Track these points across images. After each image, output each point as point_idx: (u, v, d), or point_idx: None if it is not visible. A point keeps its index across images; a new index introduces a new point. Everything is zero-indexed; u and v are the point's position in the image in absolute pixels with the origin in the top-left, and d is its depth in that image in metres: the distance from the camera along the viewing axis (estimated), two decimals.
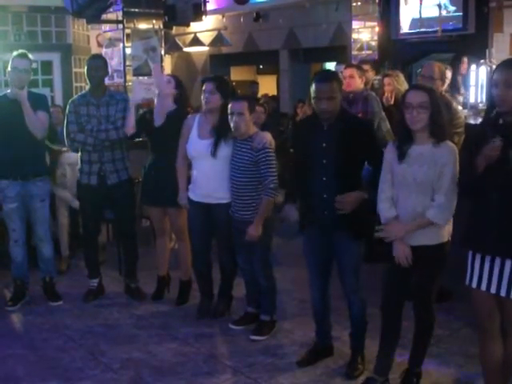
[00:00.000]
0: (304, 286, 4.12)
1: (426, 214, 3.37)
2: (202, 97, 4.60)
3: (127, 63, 7.28)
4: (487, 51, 8.65)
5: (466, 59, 8.31)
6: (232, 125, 4.33)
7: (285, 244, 6.36)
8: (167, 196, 4.93)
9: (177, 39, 12.57)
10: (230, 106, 4.35)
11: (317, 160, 3.79)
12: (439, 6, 9.11)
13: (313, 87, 3.74)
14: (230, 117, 4.33)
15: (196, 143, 4.65)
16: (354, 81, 6.01)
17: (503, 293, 3.11)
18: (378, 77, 7.17)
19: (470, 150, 3.19)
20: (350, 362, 4.01)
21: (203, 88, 4.59)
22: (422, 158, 3.37)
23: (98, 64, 5.15)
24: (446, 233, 3.47)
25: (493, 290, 3.14)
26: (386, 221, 3.53)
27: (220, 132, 4.52)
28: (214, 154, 4.50)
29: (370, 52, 10.04)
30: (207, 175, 4.59)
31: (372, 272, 4.39)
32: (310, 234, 3.95)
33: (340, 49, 10.96)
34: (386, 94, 6.32)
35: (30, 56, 4.94)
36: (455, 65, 7.80)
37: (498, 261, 3.10)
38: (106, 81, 6.64)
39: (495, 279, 3.12)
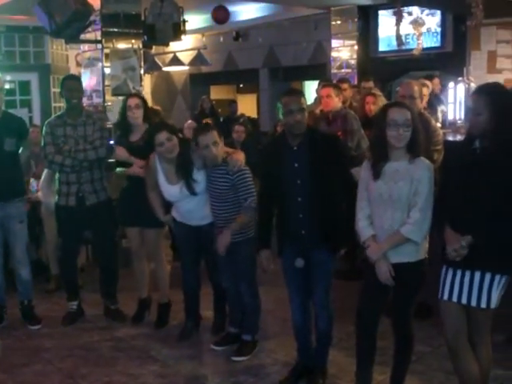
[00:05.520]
0: (287, 304, 4.12)
1: (400, 230, 3.38)
2: (160, 149, 4.52)
3: (106, 83, 7.29)
4: (465, 69, 8.82)
5: (437, 79, 8.41)
6: (208, 156, 4.32)
7: (271, 264, 6.31)
8: (144, 217, 4.93)
9: (156, 58, 12.60)
10: (200, 138, 4.31)
11: (291, 181, 3.82)
12: (416, 21, 9.27)
13: (283, 103, 3.79)
14: (204, 150, 4.31)
15: (168, 189, 4.64)
16: (332, 100, 6.06)
17: (473, 303, 3.23)
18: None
19: (447, 172, 3.38)
20: (311, 377, 4.06)
21: (159, 140, 4.49)
22: (397, 175, 3.40)
23: (72, 85, 5.16)
24: (423, 250, 3.51)
25: (463, 300, 3.25)
26: (364, 239, 3.53)
27: (187, 170, 4.51)
28: (192, 193, 4.51)
29: (349, 70, 10.14)
30: (189, 211, 4.65)
31: (354, 290, 4.41)
32: (288, 254, 3.97)
33: (319, 67, 11.08)
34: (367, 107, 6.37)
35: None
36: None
37: (467, 273, 3.23)
38: (85, 101, 6.68)
39: (465, 290, 3.24)
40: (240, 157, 4.41)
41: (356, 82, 9.33)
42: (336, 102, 6.07)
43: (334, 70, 10.36)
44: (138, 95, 5.35)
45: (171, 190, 4.61)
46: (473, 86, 7.49)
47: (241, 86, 15.72)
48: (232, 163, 4.34)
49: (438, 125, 6.32)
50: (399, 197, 3.38)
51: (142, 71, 7.54)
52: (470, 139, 3.30)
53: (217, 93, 14.97)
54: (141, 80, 7.45)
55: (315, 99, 7.50)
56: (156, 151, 4.58)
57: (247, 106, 14.06)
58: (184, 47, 12.25)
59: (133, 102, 5.04)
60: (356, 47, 10.20)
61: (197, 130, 4.51)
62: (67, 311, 5.35)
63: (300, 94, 3.91)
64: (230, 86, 15.80)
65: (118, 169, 5.20)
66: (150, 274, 5.38)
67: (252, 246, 4.42)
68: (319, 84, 7.42)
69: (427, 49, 9.42)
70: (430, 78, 7.97)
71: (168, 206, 4.82)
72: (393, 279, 3.44)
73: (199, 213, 4.61)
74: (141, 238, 5.18)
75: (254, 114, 13.54)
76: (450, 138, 6.14)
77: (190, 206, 4.61)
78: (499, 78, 8.02)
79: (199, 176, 4.51)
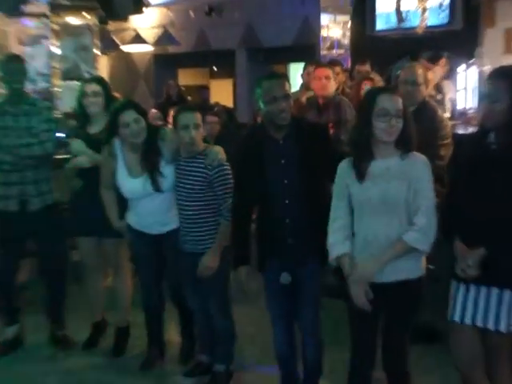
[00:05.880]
0: (269, 328, 4.08)
1: (402, 238, 3.27)
2: (125, 131, 4.45)
3: (54, 65, 7.20)
4: (477, 49, 8.83)
5: (444, 59, 8.36)
6: (185, 139, 4.27)
7: (251, 282, 6.28)
8: (101, 224, 4.85)
9: (114, 37, 12.54)
10: (181, 117, 4.28)
11: (276, 180, 3.79)
12: None
13: (263, 88, 3.74)
14: (180, 130, 4.27)
15: (128, 183, 4.57)
16: (330, 83, 6.02)
17: (491, 325, 3.18)
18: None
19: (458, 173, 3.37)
20: None
21: (124, 121, 4.43)
22: (388, 173, 3.32)
23: (14, 67, 5.08)
24: (423, 264, 3.44)
25: (479, 322, 3.21)
26: (337, 256, 3.40)
27: (153, 162, 4.48)
28: (156, 189, 4.47)
29: (341, 51, 10.18)
30: (151, 212, 4.59)
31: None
32: (271, 268, 3.93)
33: (307, 48, 11.12)
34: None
35: None
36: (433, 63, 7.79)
37: (483, 289, 3.20)
38: (28, 86, 6.54)
39: (481, 310, 3.21)
40: (221, 150, 4.39)
41: (349, 66, 9.32)
42: (333, 87, 6.05)
43: (323, 51, 10.44)
44: (98, 80, 5.26)
45: (132, 184, 4.55)
46: (487, 69, 7.48)
47: (214, 69, 15.72)
48: (212, 156, 4.29)
49: (446, 115, 6.31)
50: (396, 200, 3.29)
51: (97, 51, 7.46)
52: (484, 132, 3.27)
53: (186, 77, 14.97)
54: (95, 62, 7.38)
55: (301, 85, 7.46)
56: (119, 134, 4.51)
57: (222, 93, 14.07)
58: (147, 24, 12.23)
59: (91, 88, 4.99)
60: (349, 24, 10.25)
61: (178, 110, 4.45)
62: (4, 338, 5.27)
63: (284, 77, 3.88)
64: (202, 70, 15.81)
65: (67, 165, 5.11)
66: (106, 292, 5.34)
67: (223, 258, 4.35)
68: (305, 68, 7.39)
69: (433, 26, 9.45)
70: (435, 59, 7.93)
71: (124, 208, 4.75)
72: (379, 301, 3.32)
73: (161, 216, 4.55)
74: (97, 250, 5.14)
75: (229, 103, 13.50)
76: (460, 131, 6.16)
77: (151, 206, 4.55)
78: None
79: (167, 170, 4.46)
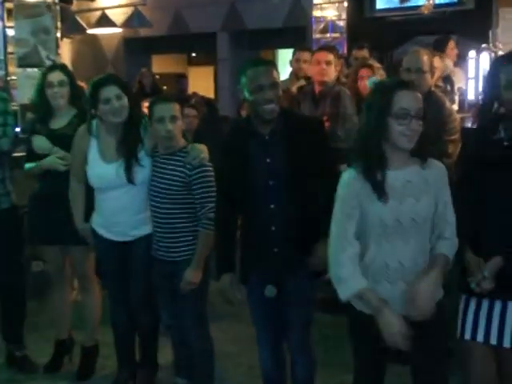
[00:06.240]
0: (254, 347, 4.13)
1: (442, 252, 3.16)
2: (104, 107, 4.48)
3: (9, 50, 7.22)
4: (490, 32, 8.84)
5: (453, 41, 8.40)
6: (161, 132, 4.31)
7: (236, 292, 6.29)
8: (67, 230, 4.86)
9: (78, 18, 12.52)
10: (156, 108, 4.33)
11: (260, 182, 3.81)
12: None
13: (249, 76, 3.74)
14: (156, 123, 4.32)
15: (99, 168, 4.57)
16: (331, 69, 6.04)
17: (507, 343, 3.20)
18: None
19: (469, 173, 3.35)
20: None
21: (105, 96, 4.46)
22: (412, 188, 3.13)
23: None
24: None
25: (492, 340, 3.23)
26: (354, 294, 3.15)
27: (131, 147, 4.51)
28: (129, 179, 4.48)
29: (336, 35, 10.21)
30: (120, 209, 4.58)
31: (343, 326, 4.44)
32: (256, 280, 3.97)
33: (297, 31, 11.13)
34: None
35: None
36: (441, 50, 7.77)
37: (497, 304, 3.23)
38: None
39: (495, 327, 3.21)
40: (205, 149, 4.41)
41: (345, 51, 9.37)
42: (333, 73, 6.08)
43: (316, 35, 10.44)
44: (63, 68, 5.28)
45: (103, 169, 4.55)
46: (501, 54, 7.49)
47: (193, 55, 15.73)
48: (194, 154, 4.33)
49: (455, 107, 6.35)
50: (425, 219, 3.15)
51: (58, 34, 7.48)
52: (491, 126, 3.30)
53: (161, 64, 14.96)
54: (57, 46, 7.39)
55: (290, 74, 7.51)
56: (98, 111, 4.53)
57: (201, 82, 14.08)
58: (116, 2, 12.21)
59: (55, 76, 4.98)
60: (346, 4, 10.27)
61: (153, 101, 4.49)
62: None
63: (271, 64, 3.90)
64: (179, 56, 15.80)
65: (27, 165, 5.13)
66: (71, 306, 5.33)
67: (202, 269, 4.40)
68: (294, 53, 7.42)
69: (440, 5, 9.50)
70: (442, 44, 7.97)
71: (90, 210, 4.77)
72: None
73: (131, 216, 4.56)
74: (62, 260, 5.14)
75: (210, 93, 13.55)
76: (470, 125, 6.16)
77: (120, 201, 4.55)
78: None
79: (145, 161, 4.50)
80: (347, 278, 3.13)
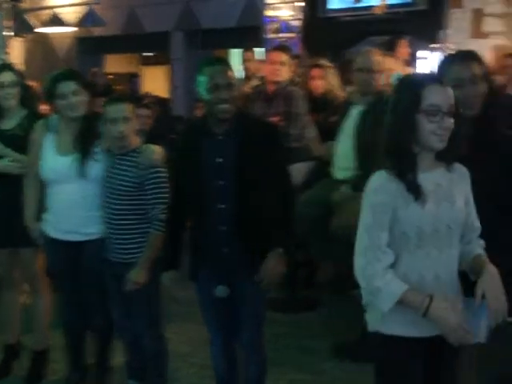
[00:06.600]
0: (206, 346, 4.14)
1: (476, 251, 3.04)
2: (61, 102, 4.48)
3: None
4: (442, 32, 8.94)
5: (405, 41, 8.46)
6: (114, 133, 4.30)
7: (180, 290, 6.25)
8: (16, 233, 4.84)
9: (29, 17, 12.41)
10: (108, 109, 4.32)
11: (211, 181, 3.82)
12: None
13: (205, 75, 3.76)
14: (108, 124, 4.31)
15: (53, 161, 4.55)
16: (284, 69, 6.10)
17: None
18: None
19: None
20: None
21: (61, 91, 4.46)
22: (443, 192, 2.97)
23: None
24: None
25: None
26: (396, 300, 2.87)
27: (87, 141, 4.50)
28: (82, 173, 4.46)
29: (290, 35, 10.22)
30: (72, 204, 4.53)
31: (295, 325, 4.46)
32: (205, 279, 3.98)
33: (250, 30, 11.10)
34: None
35: None
36: (391, 50, 7.77)
37: None
38: None
39: None
40: (159, 150, 4.41)
41: (300, 51, 9.40)
42: (286, 74, 6.13)
43: (269, 35, 10.44)
44: (12, 68, 5.24)
45: (57, 161, 4.53)
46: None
47: (147, 55, 15.67)
48: (147, 154, 4.33)
49: None
50: (459, 224, 3.00)
51: (6, 33, 7.40)
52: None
53: (114, 64, 14.87)
54: (7, 46, 7.32)
55: (244, 74, 7.53)
56: (55, 105, 4.52)
57: (155, 81, 14.07)
58: (68, 1, 12.12)
59: (6, 77, 4.94)
60: (299, 4, 10.28)
61: (106, 102, 4.46)
62: None
63: (227, 64, 3.92)
64: (132, 56, 15.74)
65: None
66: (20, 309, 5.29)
67: (152, 270, 4.36)
68: (243, 53, 7.47)
69: (394, 5, 9.54)
70: (393, 44, 8.03)
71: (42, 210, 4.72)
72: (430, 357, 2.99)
73: (82, 212, 4.52)
74: (11, 262, 5.09)
75: (164, 93, 13.53)
76: None
77: (72, 196, 4.51)
78: (485, 44, 8.18)
79: (101, 157, 4.48)
80: (385, 285, 2.87)
